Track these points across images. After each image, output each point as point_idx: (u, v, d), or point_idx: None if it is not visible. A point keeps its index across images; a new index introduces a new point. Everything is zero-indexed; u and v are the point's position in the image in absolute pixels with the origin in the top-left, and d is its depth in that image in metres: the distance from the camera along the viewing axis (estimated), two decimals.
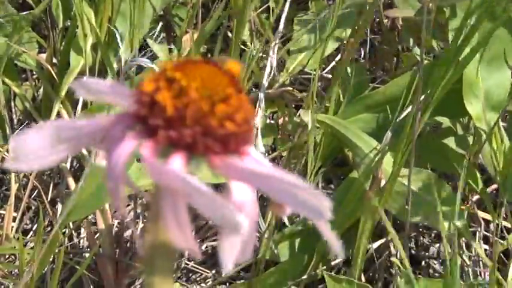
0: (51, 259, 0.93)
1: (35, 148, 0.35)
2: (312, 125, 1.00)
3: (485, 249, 1.03)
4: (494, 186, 1.07)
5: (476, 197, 1.05)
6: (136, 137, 0.34)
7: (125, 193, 0.34)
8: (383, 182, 0.93)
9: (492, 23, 0.98)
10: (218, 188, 0.41)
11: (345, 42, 1.14)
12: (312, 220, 0.35)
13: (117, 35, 1.06)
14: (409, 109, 0.98)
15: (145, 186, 0.88)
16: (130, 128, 0.34)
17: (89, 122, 0.35)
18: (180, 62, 0.35)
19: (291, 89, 1.11)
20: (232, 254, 0.35)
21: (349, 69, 1.11)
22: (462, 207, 0.99)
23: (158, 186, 0.34)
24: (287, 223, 1.01)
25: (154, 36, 1.14)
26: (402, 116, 1.00)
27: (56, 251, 0.92)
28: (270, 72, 1.10)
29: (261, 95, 1.07)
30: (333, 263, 1.00)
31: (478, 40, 0.96)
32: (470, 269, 1.03)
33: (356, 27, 1.05)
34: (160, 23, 1.17)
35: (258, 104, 1.07)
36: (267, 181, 0.33)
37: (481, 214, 1.03)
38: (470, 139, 1.06)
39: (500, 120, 0.99)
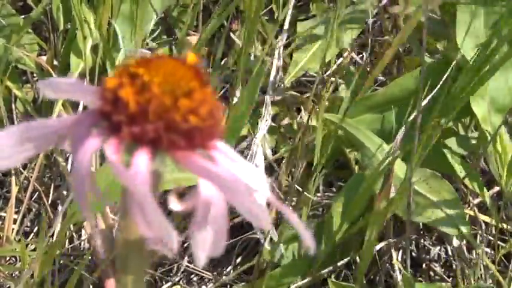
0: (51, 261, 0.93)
1: (3, 147, 0.35)
2: (320, 127, 1.00)
3: (486, 252, 1.03)
4: (496, 189, 1.06)
5: (477, 200, 1.04)
6: (100, 134, 0.34)
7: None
8: (393, 187, 0.93)
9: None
10: None
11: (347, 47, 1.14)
12: (285, 213, 0.36)
13: (119, 37, 1.06)
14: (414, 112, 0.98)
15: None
16: (95, 125, 0.34)
17: (56, 121, 0.35)
18: (144, 58, 0.35)
19: (295, 93, 1.11)
20: (204, 248, 0.35)
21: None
22: (464, 210, 0.99)
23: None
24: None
25: (155, 38, 1.13)
26: (410, 118, 0.99)
27: (57, 253, 0.92)
28: (276, 77, 1.10)
29: (267, 98, 1.06)
30: (334, 266, 1.00)
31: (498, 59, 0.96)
32: (471, 272, 1.02)
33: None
34: (161, 25, 1.17)
35: (264, 108, 1.06)
36: (220, 182, 0.33)
37: (482, 217, 1.02)
38: (471, 140, 1.06)
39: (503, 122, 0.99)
